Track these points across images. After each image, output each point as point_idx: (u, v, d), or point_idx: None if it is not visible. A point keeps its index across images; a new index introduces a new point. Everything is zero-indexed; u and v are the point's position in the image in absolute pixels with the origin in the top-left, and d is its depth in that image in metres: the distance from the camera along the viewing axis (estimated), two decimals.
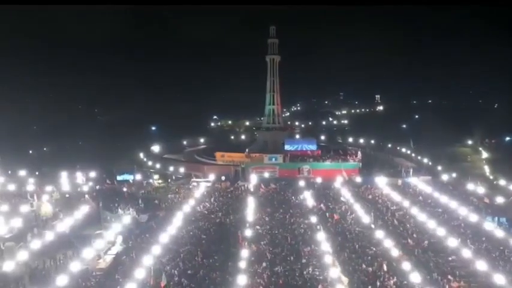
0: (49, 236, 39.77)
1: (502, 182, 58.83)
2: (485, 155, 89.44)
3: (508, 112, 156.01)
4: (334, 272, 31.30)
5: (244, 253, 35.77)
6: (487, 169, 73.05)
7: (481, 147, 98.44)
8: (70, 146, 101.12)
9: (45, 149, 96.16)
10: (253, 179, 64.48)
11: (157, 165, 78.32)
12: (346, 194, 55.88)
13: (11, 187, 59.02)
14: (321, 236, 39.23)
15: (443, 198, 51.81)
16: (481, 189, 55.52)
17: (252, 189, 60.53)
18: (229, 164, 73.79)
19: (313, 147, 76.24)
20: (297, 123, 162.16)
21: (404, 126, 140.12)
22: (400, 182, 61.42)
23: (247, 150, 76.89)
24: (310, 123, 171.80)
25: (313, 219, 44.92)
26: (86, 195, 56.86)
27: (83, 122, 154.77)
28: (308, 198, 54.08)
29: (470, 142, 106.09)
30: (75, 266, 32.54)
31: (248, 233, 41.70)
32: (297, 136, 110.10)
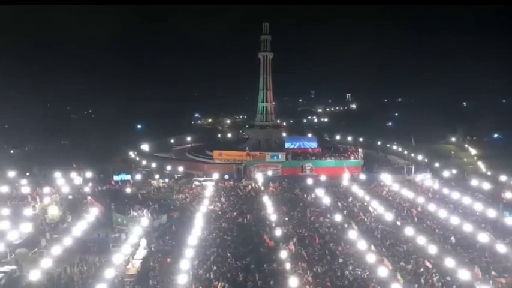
0: (67, 241, 37.10)
1: (503, 178, 60.45)
2: (473, 151, 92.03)
3: (480, 110, 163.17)
4: (383, 271, 30.67)
5: (283, 254, 34.75)
6: (481, 165, 74.82)
7: (467, 144, 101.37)
8: (53, 145, 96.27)
9: (26, 148, 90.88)
10: (259, 177, 63.44)
11: (153, 165, 75.56)
12: (358, 192, 55.78)
13: (4, 189, 55.18)
14: (353, 234, 38.75)
15: (455, 195, 52.60)
16: (486, 185, 56.76)
17: (262, 188, 59.40)
18: (230, 162, 72.23)
19: (314, 144, 75.94)
20: (278, 121, 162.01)
21: (390, 124, 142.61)
22: (417, 178, 61.87)
23: (247, 148, 75.54)
24: (291, 121, 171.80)
25: (337, 217, 44.41)
26: (89, 197, 53.97)
27: (57, 121, 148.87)
28: (322, 197, 53.60)
29: (453, 139, 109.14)
30: (109, 273, 30.47)
31: (273, 233, 40.78)
32: (284, 134, 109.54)
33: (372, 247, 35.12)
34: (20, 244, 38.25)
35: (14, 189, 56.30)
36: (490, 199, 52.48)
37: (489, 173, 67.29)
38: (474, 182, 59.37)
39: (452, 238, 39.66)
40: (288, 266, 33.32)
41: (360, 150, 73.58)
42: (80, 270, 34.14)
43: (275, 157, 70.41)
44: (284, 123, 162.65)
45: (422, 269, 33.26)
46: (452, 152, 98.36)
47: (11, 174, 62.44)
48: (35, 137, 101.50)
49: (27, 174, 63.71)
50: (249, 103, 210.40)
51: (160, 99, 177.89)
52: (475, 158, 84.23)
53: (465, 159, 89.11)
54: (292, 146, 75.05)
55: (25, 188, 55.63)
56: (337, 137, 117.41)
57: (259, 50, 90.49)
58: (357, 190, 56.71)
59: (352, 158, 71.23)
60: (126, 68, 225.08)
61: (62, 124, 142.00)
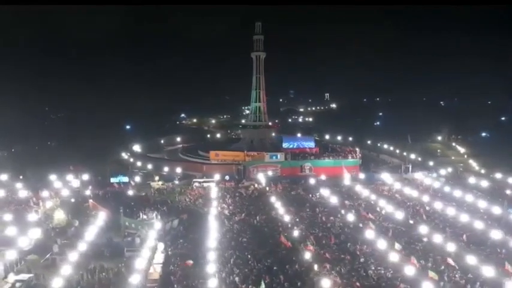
0: (81, 246, 35.89)
1: (498, 176, 62.13)
2: (462, 150, 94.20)
3: (459, 109, 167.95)
4: (410, 269, 31.01)
5: (304, 255, 34.73)
6: (473, 164, 76.47)
7: (454, 143, 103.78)
8: (40, 146, 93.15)
9: (13, 150, 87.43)
10: (261, 178, 63.29)
11: (149, 166, 73.97)
12: (362, 191, 56.25)
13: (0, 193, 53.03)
14: (369, 234, 39.04)
15: (457, 193, 53.76)
16: (484, 183, 58.23)
17: (267, 189, 59.15)
18: (228, 163, 71.45)
19: (312, 144, 76.22)
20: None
21: (378, 123, 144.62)
22: (416, 176, 62.57)
23: (245, 148, 74.98)
24: (276, 121, 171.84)
25: (348, 216, 44.67)
26: (90, 200, 52.50)
27: (37, 121, 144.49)
28: (327, 196, 53.89)
29: (439, 138, 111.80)
30: (135, 279, 29.68)
31: (289, 234, 40.76)
32: (273, 134, 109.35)
33: (397, 246, 35.32)
34: (30, 250, 36.75)
35: (9, 193, 54.09)
36: (489, 196, 53.68)
37: (483, 171, 68.89)
38: (471, 180, 60.73)
39: (464, 236, 40.46)
40: (311, 266, 33.43)
41: (357, 149, 74.18)
42: (98, 277, 33.10)
43: (274, 157, 70.21)
44: (270, 123, 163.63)
45: (443, 267, 33.83)
46: (439, 151, 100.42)
47: (3, 177, 59.94)
48: (19, 138, 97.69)
49: (21, 177, 61.22)
50: (231, 103, 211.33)
51: (144, 99, 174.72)
52: (466, 156, 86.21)
53: (453, 158, 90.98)
54: (290, 146, 75.03)
55: (22, 192, 53.44)
56: (327, 137, 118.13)
57: (251, 49, 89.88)
58: (361, 189, 57.13)
59: (350, 157, 71.77)
60: (108, 69, 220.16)
61: (43, 125, 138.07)
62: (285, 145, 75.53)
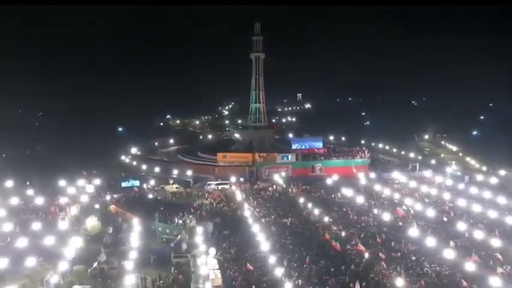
0: (132, 254, 34.60)
1: (502, 172, 64.87)
2: (454, 148, 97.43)
3: (430, 107, 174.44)
4: (470, 265, 31.94)
5: (360, 256, 35.10)
6: (471, 161, 79.27)
7: (444, 142, 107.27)
8: (30, 151, 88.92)
9: (4, 155, 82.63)
10: (277, 179, 63.29)
11: (157, 169, 71.97)
12: (382, 190, 57.27)
13: (14, 201, 50.22)
14: (413, 232, 39.86)
15: (474, 190, 55.76)
16: (494, 180, 60.71)
17: (289, 190, 59.13)
18: (239, 164, 70.73)
19: (320, 144, 76.90)
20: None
21: (368, 123, 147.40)
22: (440, 177, 64.07)
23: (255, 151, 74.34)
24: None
25: (385, 216, 45.40)
26: (112, 205, 50.74)
27: (13, 124, 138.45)
28: (352, 196, 54.54)
29: (426, 137, 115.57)
30: (207, 286, 28.99)
31: (331, 234, 41.10)
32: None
33: (451, 243, 36.24)
34: (74, 260, 35.04)
35: (23, 201, 51.34)
36: (504, 193, 55.37)
37: (484, 168, 71.49)
38: (479, 177, 63.17)
39: (497, 231, 42.00)
40: (370, 266, 33.97)
41: (365, 150, 75.27)
42: (158, 286, 32.08)
43: (285, 158, 70.22)
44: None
45: (491, 262, 34.98)
46: (427, 149, 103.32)
47: (9, 183, 56.61)
48: (4, 142, 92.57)
49: (28, 183, 58.05)
50: (206, 104, 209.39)
51: (124, 100, 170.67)
52: (460, 154, 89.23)
53: (442, 155, 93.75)
54: (300, 147, 75.53)
55: (38, 199, 50.77)
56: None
57: (250, 50, 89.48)
58: (380, 188, 58.15)
59: (358, 157, 72.85)
60: (87, 67, 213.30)
61: (20, 127, 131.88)
62: (294, 146, 75.94)
